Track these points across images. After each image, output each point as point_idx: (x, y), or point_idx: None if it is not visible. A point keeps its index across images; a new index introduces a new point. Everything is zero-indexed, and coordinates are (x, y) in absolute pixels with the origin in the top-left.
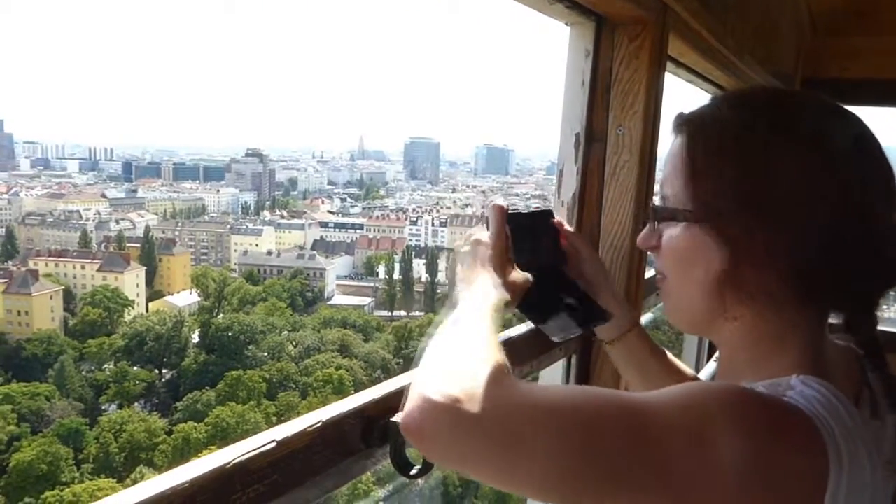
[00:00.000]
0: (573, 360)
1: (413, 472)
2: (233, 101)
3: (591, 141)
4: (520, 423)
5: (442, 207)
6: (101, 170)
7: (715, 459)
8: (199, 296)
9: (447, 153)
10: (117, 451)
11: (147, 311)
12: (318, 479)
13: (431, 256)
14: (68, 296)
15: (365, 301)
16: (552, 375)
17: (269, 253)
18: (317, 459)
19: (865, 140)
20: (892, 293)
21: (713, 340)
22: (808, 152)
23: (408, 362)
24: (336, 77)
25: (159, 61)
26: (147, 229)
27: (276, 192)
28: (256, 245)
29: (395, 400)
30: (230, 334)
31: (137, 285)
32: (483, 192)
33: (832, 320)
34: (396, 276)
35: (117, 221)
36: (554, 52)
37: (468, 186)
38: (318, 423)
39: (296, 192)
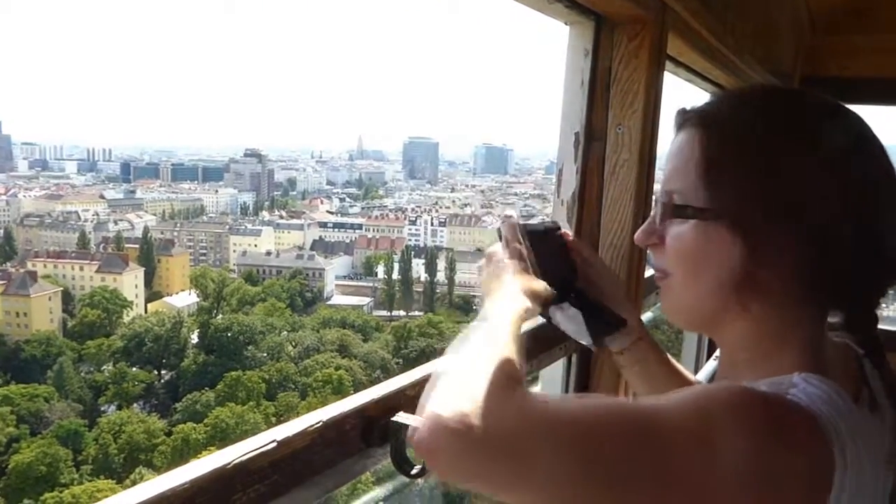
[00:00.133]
0: (573, 359)
1: (413, 471)
2: (231, 101)
3: (591, 140)
4: (525, 437)
5: (441, 207)
6: (99, 171)
7: (721, 461)
8: (198, 296)
9: (446, 153)
10: (116, 452)
11: (146, 311)
12: (318, 478)
13: (430, 256)
14: (67, 297)
15: (364, 301)
16: (552, 374)
17: (268, 253)
18: (317, 459)
19: (869, 140)
20: (892, 291)
21: (714, 338)
22: (821, 153)
23: (407, 362)
24: (335, 77)
25: (157, 62)
26: (146, 230)
27: (275, 193)
28: (255, 245)
29: (395, 400)
30: (229, 335)
31: (136, 286)
32: (482, 191)
33: (830, 318)
34: (395, 275)
35: (116, 222)
36: (553, 51)
37: (467, 186)
38: (318, 422)
39: (294, 193)
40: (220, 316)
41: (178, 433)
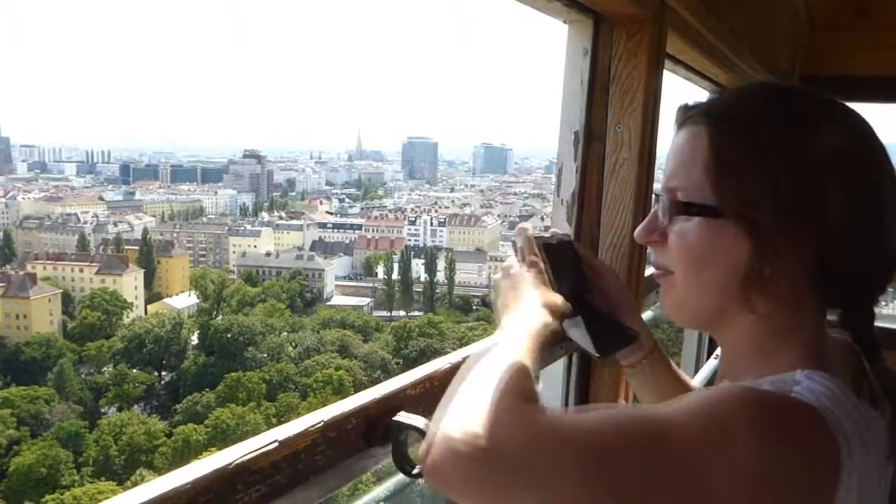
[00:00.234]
0: (574, 358)
1: (415, 471)
2: (230, 102)
3: (590, 139)
4: (537, 457)
5: (440, 207)
6: (98, 173)
7: (734, 465)
8: (198, 298)
9: (445, 153)
10: (117, 453)
11: (146, 313)
12: (319, 478)
13: (430, 256)
14: (67, 299)
15: (364, 301)
16: (553, 373)
17: (268, 254)
18: (319, 459)
19: (872, 139)
20: (891, 289)
21: (715, 336)
22: (828, 152)
23: (407, 362)
24: (333, 77)
25: (156, 63)
26: (145, 231)
27: (275, 193)
28: (255, 246)
29: (396, 399)
30: (229, 336)
31: (136, 288)
32: (481, 191)
33: (829, 315)
34: (395, 276)
35: (115, 224)
36: (552, 50)
37: (466, 186)
38: (319, 422)
39: (294, 193)
40: (220, 317)
41: (178, 434)
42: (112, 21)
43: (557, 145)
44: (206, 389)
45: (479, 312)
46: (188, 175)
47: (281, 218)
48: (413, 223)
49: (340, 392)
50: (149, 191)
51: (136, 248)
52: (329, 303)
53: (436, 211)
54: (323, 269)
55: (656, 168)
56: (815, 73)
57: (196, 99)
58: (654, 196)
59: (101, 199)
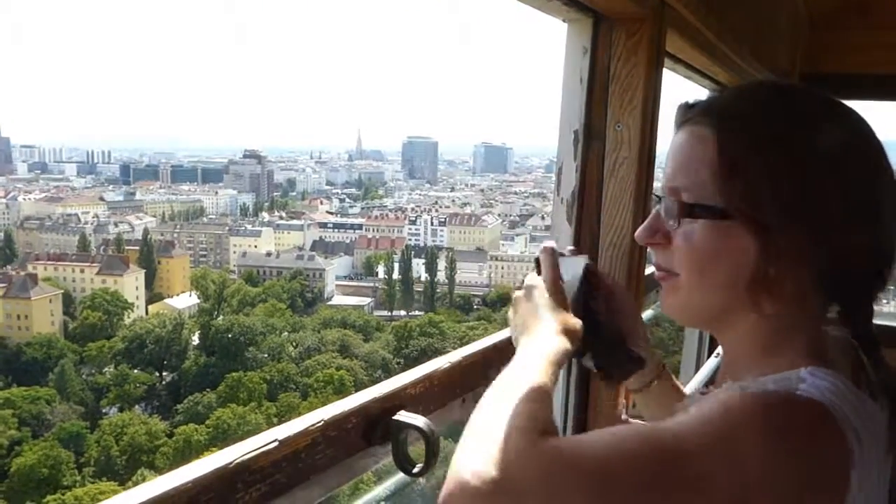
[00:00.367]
0: (572, 360)
1: (415, 470)
2: (230, 102)
3: (590, 138)
4: (544, 488)
5: (441, 206)
6: (98, 173)
7: (749, 472)
8: (199, 298)
9: (445, 152)
10: (118, 454)
11: (147, 313)
12: (320, 477)
13: (431, 256)
14: (68, 299)
15: (364, 301)
16: None
17: (269, 254)
18: (319, 458)
19: (872, 139)
20: (891, 287)
21: (718, 336)
22: (832, 152)
23: (408, 361)
24: (334, 77)
25: (156, 63)
26: (146, 232)
27: (275, 193)
28: (255, 246)
29: (396, 398)
30: (230, 336)
31: (137, 288)
32: (482, 190)
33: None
34: (396, 275)
35: (116, 224)
36: (552, 49)
37: (467, 185)
38: (320, 421)
39: (294, 193)
40: (220, 317)
41: (179, 434)
42: (112, 21)
43: (557, 144)
44: (208, 389)
45: (479, 312)
46: (188, 175)
47: (281, 218)
48: (413, 223)
49: (341, 392)
50: (149, 191)
51: (137, 248)
52: (330, 303)
53: (436, 210)
54: (323, 269)
55: (656, 167)
56: (816, 71)
57: (196, 99)
58: (653, 196)
59: (101, 199)
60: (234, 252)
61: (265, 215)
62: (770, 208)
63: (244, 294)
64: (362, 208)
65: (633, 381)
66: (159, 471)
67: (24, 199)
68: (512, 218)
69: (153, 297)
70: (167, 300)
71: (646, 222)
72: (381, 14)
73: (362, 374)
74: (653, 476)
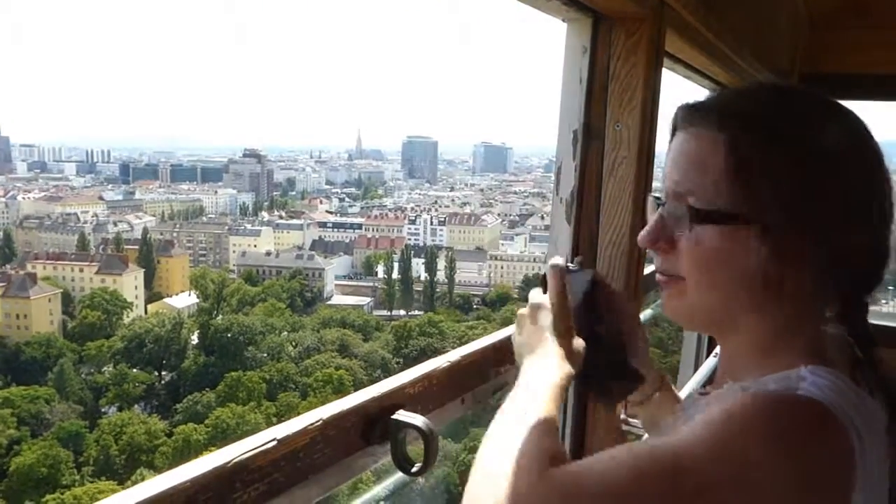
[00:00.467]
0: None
1: (414, 469)
2: (230, 101)
3: (589, 138)
4: None
5: (440, 206)
6: (98, 172)
7: (750, 484)
8: (198, 297)
9: (445, 152)
10: (118, 453)
11: (146, 313)
12: (319, 476)
13: (430, 255)
14: (67, 298)
15: (364, 301)
16: None
17: (268, 253)
18: (318, 457)
19: (871, 141)
20: (891, 288)
21: (719, 336)
22: (837, 155)
23: (408, 361)
24: (334, 76)
25: (156, 62)
26: (145, 231)
27: (275, 193)
28: (255, 246)
29: (395, 398)
30: (229, 335)
31: (136, 287)
32: (481, 190)
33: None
34: (395, 275)
35: (115, 224)
36: (551, 49)
37: (466, 185)
38: (318, 421)
39: (294, 193)
40: (220, 317)
41: (179, 434)
42: (112, 21)
43: (557, 144)
44: (207, 389)
45: (479, 311)
46: (188, 174)
47: (281, 217)
48: (413, 222)
49: (341, 391)
50: (149, 190)
51: (136, 247)
52: (329, 302)
53: (436, 210)
54: (323, 269)
55: (655, 166)
56: (815, 71)
57: (196, 98)
58: (652, 199)
59: (100, 198)
60: (234, 251)
61: (265, 215)
62: (775, 209)
63: (243, 293)
64: (362, 208)
65: (634, 394)
66: (158, 470)
67: (24, 198)
68: (511, 217)
69: (152, 296)
70: (166, 299)
71: (648, 226)
72: (380, 14)
73: (361, 374)
74: (658, 494)
